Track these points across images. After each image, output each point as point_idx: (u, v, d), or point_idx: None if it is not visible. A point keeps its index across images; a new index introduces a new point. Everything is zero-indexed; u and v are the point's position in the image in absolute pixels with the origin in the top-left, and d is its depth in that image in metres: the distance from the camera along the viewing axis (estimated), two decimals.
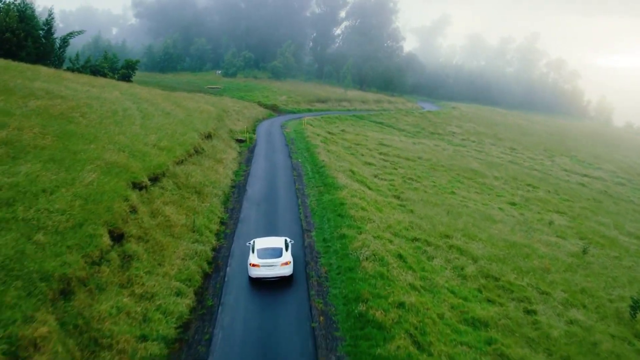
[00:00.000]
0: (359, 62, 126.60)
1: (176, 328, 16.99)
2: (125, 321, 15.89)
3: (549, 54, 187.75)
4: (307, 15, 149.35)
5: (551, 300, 24.96)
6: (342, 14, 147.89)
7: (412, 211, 34.73)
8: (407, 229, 29.80)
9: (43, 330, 12.75)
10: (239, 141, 51.64)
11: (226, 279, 21.04)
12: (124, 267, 18.61)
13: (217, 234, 25.65)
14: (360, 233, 25.33)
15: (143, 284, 18.25)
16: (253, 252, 21.17)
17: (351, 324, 17.74)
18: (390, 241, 25.86)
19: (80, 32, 72.60)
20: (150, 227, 22.21)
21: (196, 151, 36.72)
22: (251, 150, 47.98)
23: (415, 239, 27.93)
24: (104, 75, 69.50)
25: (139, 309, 16.77)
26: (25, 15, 61.54)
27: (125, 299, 16.82)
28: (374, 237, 25.08)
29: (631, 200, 61.71)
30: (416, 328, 17.26)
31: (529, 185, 56.75)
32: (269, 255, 20.70)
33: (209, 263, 22.24)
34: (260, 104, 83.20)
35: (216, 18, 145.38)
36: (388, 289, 19.77)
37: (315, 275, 21.41)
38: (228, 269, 22.02)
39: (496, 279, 25.65)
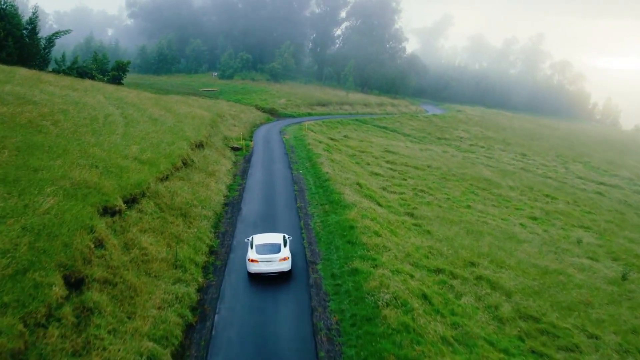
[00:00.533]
0: (360, 64, 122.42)
1: None
2: None
3: (552, 55, 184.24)
4: (306, 15, 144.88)
5: (603, 347, 20.94)
6: (343, 14, 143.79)
7: (429, 232, 30.68)
8: (427, 257, 25.75)
9: None
10: (235, 149, 47.52)
11: (214, 333, 16.89)
12: (80, 326, 14.44)
13: (204, 268, 21.49)
14: (376, 266, 21.22)
15: (104, 349, 14.09)
16: (252, 248, 21.24)
17: None
18: (411, 275, 21.75)
19: (66, 32, 68.41)
20: (120, 265, 18.06)
21: (184, 164, 32.58)
22: (247, 160, 43.86)
23: (438, 270, 23.84)
24: (92, 77, 65.44)
25: None
26: (6, 13, 57.37)
27: None
28: (393, 272, 20.98)
29: None
30: None
31: (546, 195, 52.75)
32: (268, 251, 20.84)
33: (193, 310, 18.08)
34: (257, 107, 79.11)
35: (213, 18, 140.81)
36: (417, 347, 15.69)
37: (325, 327, 17.24)
38: (217, 317, 17.87)
39: (536, 320, 21.64)
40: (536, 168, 70.24)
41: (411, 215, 34.24)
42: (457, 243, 29.73)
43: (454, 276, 23.75)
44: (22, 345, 12.30)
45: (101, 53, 78.58)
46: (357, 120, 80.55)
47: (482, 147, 77.76)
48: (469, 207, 41.82)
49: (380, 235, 25.22)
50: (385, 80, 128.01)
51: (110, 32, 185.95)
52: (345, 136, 63.55)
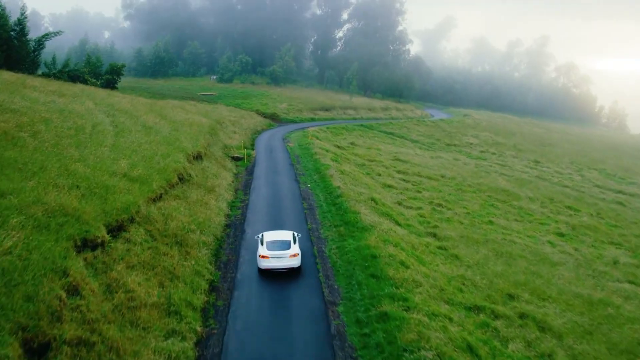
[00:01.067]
0: (363, 67, 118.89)
1: None
2: None
3: (556, 58, 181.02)
4: (307, 16, 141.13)
5: None
6: (345, 15, 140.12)
7: (457, 257, 27.24)
8: (462, 290, 22.31)
9: None
10: (235, 159, 44.06)
11: None
12: None
13: (204, 311, 17.96)
14: (409, 309, 17.73)
15: None
16: (262, 244, 21.60)
17: None
18: (450, 318, 18.27)
19: (57, 33, 64.98)
20: (100, 316, 14.55)
21: (181, 179, 29.09)
22: (250, 171, 40.39)
23: (477, 308, 20.36)
24: (85, 81, 61.90)
25: None
26: None
27: None
28: (429, 317, 17.50)
29: None
30: None
31: (568, 207, 49.38)
32: (278, 248, 21.21)
33: None
34: (258, 112, 75.62)
35: (211, 20, 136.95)
36: None
37: None
38: None
39: None
40: (551, 176, 67.01)
41: (434, 235, 30.83)
42: (490, 270, 26.38)
43: (496, 315, 20.29)
44: None
45: (94, 56, 75.01)
46: (362, 125, 77.11)
47: (494, 153, 74.43)
48: (491, 222, 38.57)
49: (407, 266, 21.72)
50: (389, 83, 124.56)
51: (107, 35, 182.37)
52: (351, 143, 60.13)
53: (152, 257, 19.36)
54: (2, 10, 57.20)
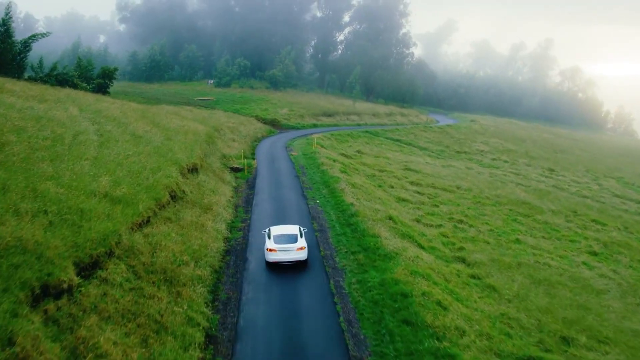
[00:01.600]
0: (365, 71, 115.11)
1: None
2: None
3: (558, 62, 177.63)
4: (307, 19, 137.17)
5: None
6: (346, 18, 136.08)
7: (493, 288, 23.50)
8: (509, 334, 18.55)
9: None
10: (235, 170, 40.30)
11: None
12: None
13: None
14: None
15: None
16: (269, 238, 21.97)
17: None
18: None
19: (45, 35, 61.20)
20: None
21: (173, 197, 25.30)
22: (251, 185, 36.59)
23: None
24: (74, 85, 58.07)
25: None
26: None
27: None
28: None
29: None
30: None
31: (593, 221, 45.70)
32: (285, 241, 21.58)
33: None
34: (258, 118, 71.80)
35: (208, 23, 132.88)
36: None
37: None
38: None
39: None
40: (568, 186, 63.40)
41: (462, 260, 27.07)
42: (533, 304, 22.69)
43: None
44: None
45: (85, 59, 71.13)
46: (367, 132, 73.35)
47: (506, 161, 70.76)
48: (518, 241, 34.92)
49: (445, 308, 17.96)
50: (393, 88, 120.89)
51: (102, 39, 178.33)
52: (358, 151, 56.39)
53: (134, 303, 15.54)
54: None
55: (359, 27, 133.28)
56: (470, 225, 35.72)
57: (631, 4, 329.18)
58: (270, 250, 21.36)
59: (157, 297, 16.48)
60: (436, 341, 15.41)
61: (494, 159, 71.17)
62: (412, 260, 22.23)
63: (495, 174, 60.64)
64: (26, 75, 58.78)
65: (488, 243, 32.77)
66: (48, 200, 18.01)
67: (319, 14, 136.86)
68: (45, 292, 13.35)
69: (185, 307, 16.63)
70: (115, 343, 13.36)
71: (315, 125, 76.03)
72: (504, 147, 79.83)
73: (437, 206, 39.31)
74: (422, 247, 26.77)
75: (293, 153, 48.52)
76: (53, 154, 23.98)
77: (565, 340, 19.43)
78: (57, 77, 57.44)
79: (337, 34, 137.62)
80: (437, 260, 25.47)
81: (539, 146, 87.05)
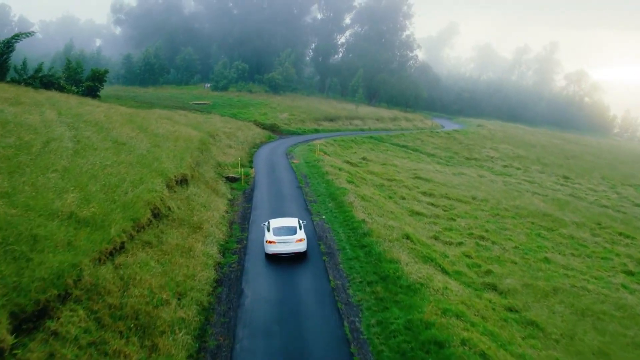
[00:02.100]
0: (368, 74, 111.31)
1: None
2: None
3: (563, 66, 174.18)
4: (307, 21, 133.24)
5: None
6: (348, 19, 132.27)
7: (536, 325, 19.95)
8: None
9: None
10: (231, 180, 36.59)
11: None
12: None
13: None
14: None
15: None
16: (269, 230, 21.96)
17: None
18: None
19: (28, 34, 57.27)
20: None
21: (156, 215, 21.54)
22: (248, 197, 32.82)
23: None
24: (61, 88, 54.39)
25: None
26: None
27: None
28: None
29: None
30: None
31: (620, 234, 42.04)
32: (284, 233, 21.58)
33: None
34: (257, 123, 68.07)
35: (206, 25, 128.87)
36: None
37: None
38: None
39: None
40: (586, 194, 59.72)
41: (493, 288, 23.40)
42: (584, 346, 19.27)
43: None
44: None
45: (75, 61, 67.40)
46: (372, 137, 69.58)
47: (518, 168, 67.07)
48: (547, 260, 31.32)
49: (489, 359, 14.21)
50: (396, 91, 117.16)
51: (98, 42, 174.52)
52: (363, 158, 52.68)
53: None
54: None
55: (360, 29, 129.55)
56: (493, 242, 32.14)
57: (635, 9, 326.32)
58: (270, 242, 21.37)
59: (124, 354, 12.71)
60: None
61: (505, 166, 67.50)
62: (441, 293, 18.50)
63: (509, 182, 56.97)
64: (9, 77, 55.10)
65: (515, 263, 29.20)
66: None
67: (319, 16, 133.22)
68: None
69: None
70: None
71: (317, 131, 72.33)
72: (514, 153, 76.15)
73: (454, 220, 35.65)
74: (447, 273, 23.04)
75: (294, 161, 44.79)
76: (13, 166, 20.24)
77: None
78: (41, 80, 53.72)
79: (338, 37, 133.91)
80: (466, 288, 21.74)
81: (550, 152, 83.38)
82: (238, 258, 22.08)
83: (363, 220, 26.00)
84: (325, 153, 48.90)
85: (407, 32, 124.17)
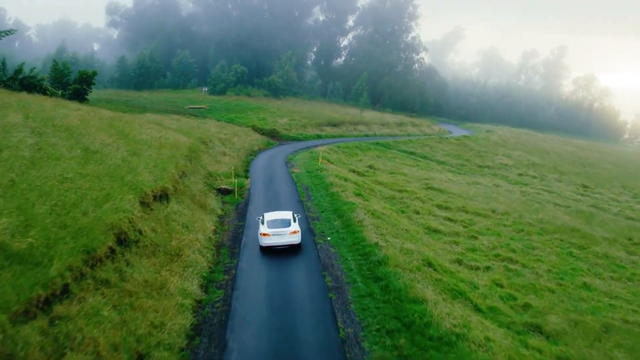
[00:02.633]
0: (372, 78, 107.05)
1: None
2: None
3: (571, 70, 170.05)
4: (309, 23, 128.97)
5: None
6: (351, 21, 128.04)
7: None
8: None
9: None
10: (223, 192, 32.40)
11: None
12: None
13: None
14: None
15: None
16: (263, 223, 21.98)
17: None
18: None
19: (10, 32, 53.24)
20: None
21: (122, 241, 17.28)
22: (241, 213, 28.60)
23: None
24: (43, 91, 50.37)
25: None
26: None
27: None
28: None
29: None
30: None
31: None
32: (279, 225, 21.57)
33: None
34: (255, 128, 63.93)
35: (203, 28, 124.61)
36: None
37: None
38: None
39: None
40: (609, 205, 55.49)
41: (537, 329, 19.12)
42: None
43: None
44: None
45: (61, 62, 63.39)
46: (377, 144, 65.34)
47: (534, 177, 62.83)
48: (586, 286, 27.25)
49: None
50: (402, 96, 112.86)
51: (96, 46, 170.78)
52: (370, 167, 48.50)
53: None
54: None
55: (364, 31, 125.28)
56: (524, 266, 28.00)
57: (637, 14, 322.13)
58: (264, 234, 21.33)
59: None
60: None
61: (520, 174, 63.26)
62: (484, 348, 14.21)
63: (527, 192, 52.69)
64: None
65: (553, 292, 25.04)
66: None
67: (321, 18, 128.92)
68: None
69: None
70: None
71: (319, 137, 68.15)
72: (528, 160, 71.91)
73: (476, 238, 31.44)
74: (481, 310, 18.83)
75: (295, 170, 40.57)
76: None
77: None
78: (21, 81, 49.67)
79: (341, 39, 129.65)
80: (507, 333, 17.46)
81: (565, 159, 79.13)
82: (224, 294, 17.81)
83: (376, 244, 21.71)
84: (328, 161, 44.70)
85: (413, 34, 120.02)
